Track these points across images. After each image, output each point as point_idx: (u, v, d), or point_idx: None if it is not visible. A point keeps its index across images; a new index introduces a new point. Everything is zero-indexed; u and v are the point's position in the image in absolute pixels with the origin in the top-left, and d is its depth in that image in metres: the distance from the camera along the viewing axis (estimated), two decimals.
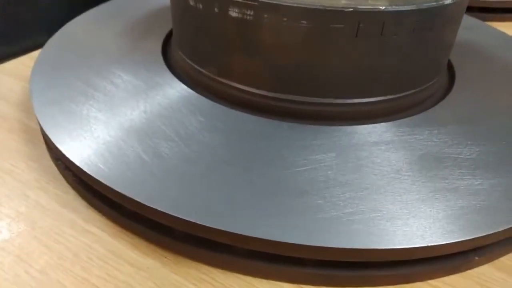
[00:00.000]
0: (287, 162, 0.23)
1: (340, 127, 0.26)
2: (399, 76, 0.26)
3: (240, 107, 0.27)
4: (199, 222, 0.20)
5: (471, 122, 0.28)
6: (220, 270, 0.22)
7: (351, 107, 0.26)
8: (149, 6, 0.40)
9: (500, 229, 0.21)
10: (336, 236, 0.20)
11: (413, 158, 0.24)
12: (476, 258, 0.22)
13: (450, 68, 0.34)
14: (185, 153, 0.24)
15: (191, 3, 0.27)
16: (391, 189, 0.22)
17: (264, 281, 0.21)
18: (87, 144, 0.24)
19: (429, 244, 0.20)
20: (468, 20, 0.42)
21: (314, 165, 0.23)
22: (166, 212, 0.21)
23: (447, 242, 0.20)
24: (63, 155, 0.24)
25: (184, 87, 0.28)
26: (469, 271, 0.22)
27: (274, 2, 0.23)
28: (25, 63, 0.37)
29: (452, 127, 0.27)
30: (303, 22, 0.23)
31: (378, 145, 0.25)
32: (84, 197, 0.25)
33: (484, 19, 0.51)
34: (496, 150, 0.26)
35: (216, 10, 0.25)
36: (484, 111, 0.29)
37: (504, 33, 0.41)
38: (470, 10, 0.49)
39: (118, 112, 0.26)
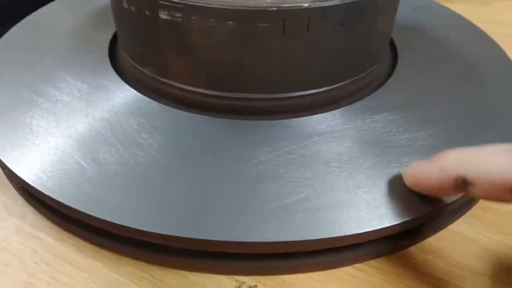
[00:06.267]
0: (222, 160, 0.25)
1: (277, 121, 0.27)
2: (331, 69, 0.27)
3: (181, 105, 0.28)
4: (133, 226, 0.21)
5: (404, 108, 0.28)
6: (159, 267, 0.23)
7: (287, 101, 0.27)
8: (100, 3, 0.40)
9: (417, 215, 0.23)
10: (259, 231, 0.21)
11: (342, 148, 0.25)
12: (400, 241, 0.24)
13: (395, 52, 0.34)
14: (123, 157, 0.24)
15: (125, 5, 0.27)
16: (318, 182, 0.23)
17: (199, 274, 0.23)
18: (27, 152, 0.25)
19: (346, 234, 0.21)
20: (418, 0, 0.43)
21: (247, 162, 0.24)
22: (101, 218, 0.22)
23: (364, 231, 0.22)
24: (4, 164, 0.24)
25: (128, 87, 0.29)
26: (394, 254, 0.24)
27: (200, 4, 0.24)
28: None
29: (385, 115, 0.28)
30: (230, 22, 0.24)
31: (311, 137, 0.26)
32: (30, 203, 0.26)
33: None
34: (425, 136, 0.27)
35: (147, 13, 0.26)
36: (420, 97, 0.30)
37: (453, 12, 0.41)
38: None
39: (60, 118, 0.27)
